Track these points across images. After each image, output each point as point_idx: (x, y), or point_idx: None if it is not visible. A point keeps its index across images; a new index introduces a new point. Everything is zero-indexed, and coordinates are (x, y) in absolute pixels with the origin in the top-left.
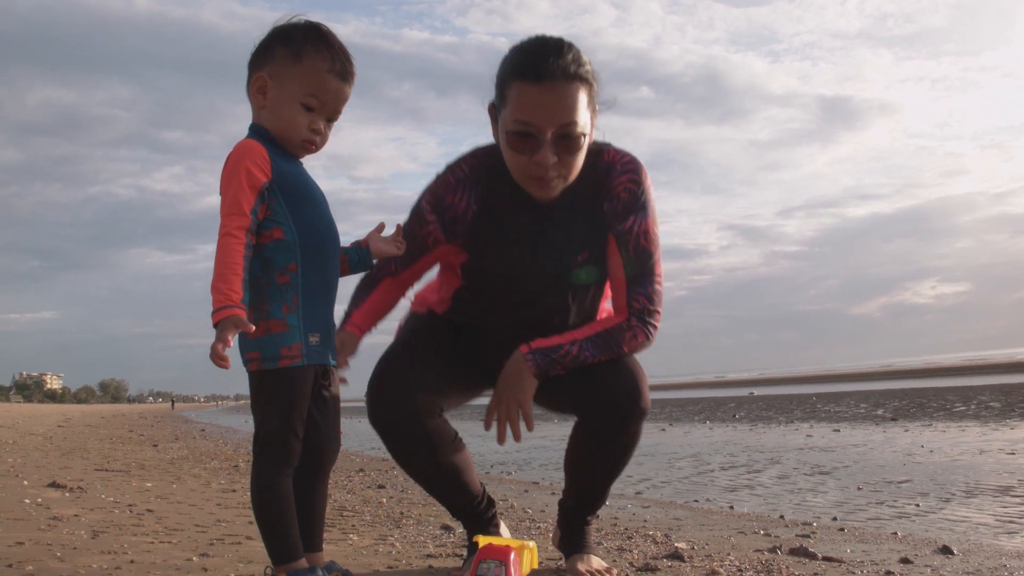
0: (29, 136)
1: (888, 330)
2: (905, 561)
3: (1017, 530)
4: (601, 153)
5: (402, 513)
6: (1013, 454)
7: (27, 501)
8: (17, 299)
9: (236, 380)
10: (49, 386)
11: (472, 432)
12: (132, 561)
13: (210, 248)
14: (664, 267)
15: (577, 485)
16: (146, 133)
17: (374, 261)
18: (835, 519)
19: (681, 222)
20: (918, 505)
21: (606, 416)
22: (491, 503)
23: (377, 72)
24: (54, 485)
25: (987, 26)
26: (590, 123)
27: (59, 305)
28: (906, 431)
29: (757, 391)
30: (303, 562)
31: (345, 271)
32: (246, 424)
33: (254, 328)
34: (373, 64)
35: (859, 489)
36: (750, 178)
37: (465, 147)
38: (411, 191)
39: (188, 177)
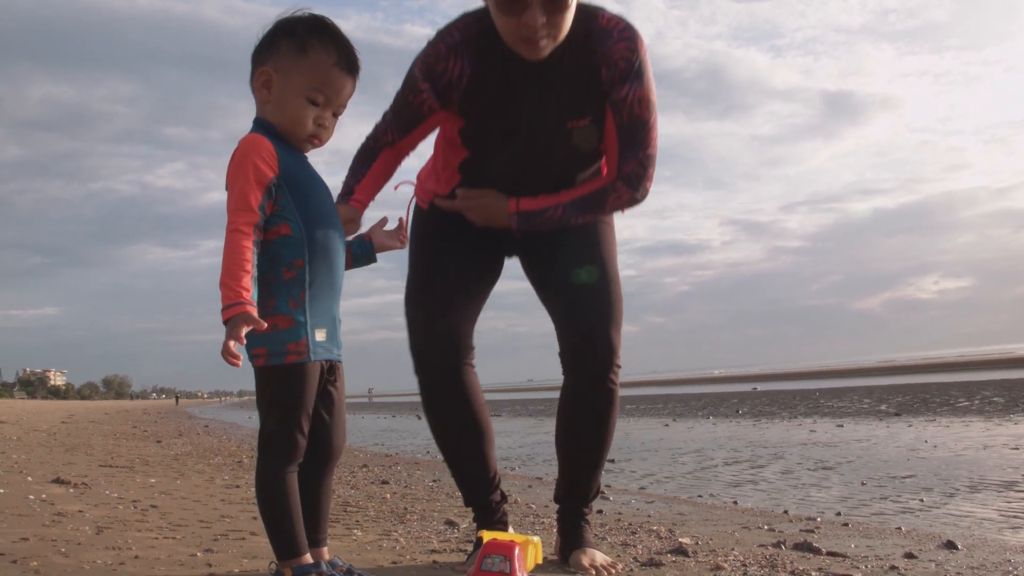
0: (31, 132)
1: (891, 325)
2: (909, 556)
3: (1021, 525)
4: (596, 16)
5: (406, 509)
6: (1017, 449)
7: (31, 497)
8: (20, 296)
9: (240, 376)
10: (52, 382)
11: None
12: (136, 557)
13: (212, 244)
14: (665, 262)
15: (568, 461)
16: (148, 129)
17: (376, 255)
18: (839, 514)
19: (683, 217)
20: (922, 500)
21: (583, 383)
22: (504, 498)
23: (379, 67)
24: (58, 481)
25: (990, 21)
26: None
27: (62, 301)
28: (910, 426)
29: (760, 386)
30: (307, 557)
31: (348, 264)
32: (250, 420)
33: (265, 325)
34: (375, 59)
35: (863, 484)
36: (752, 173)
37: None
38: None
39: (190, 173)
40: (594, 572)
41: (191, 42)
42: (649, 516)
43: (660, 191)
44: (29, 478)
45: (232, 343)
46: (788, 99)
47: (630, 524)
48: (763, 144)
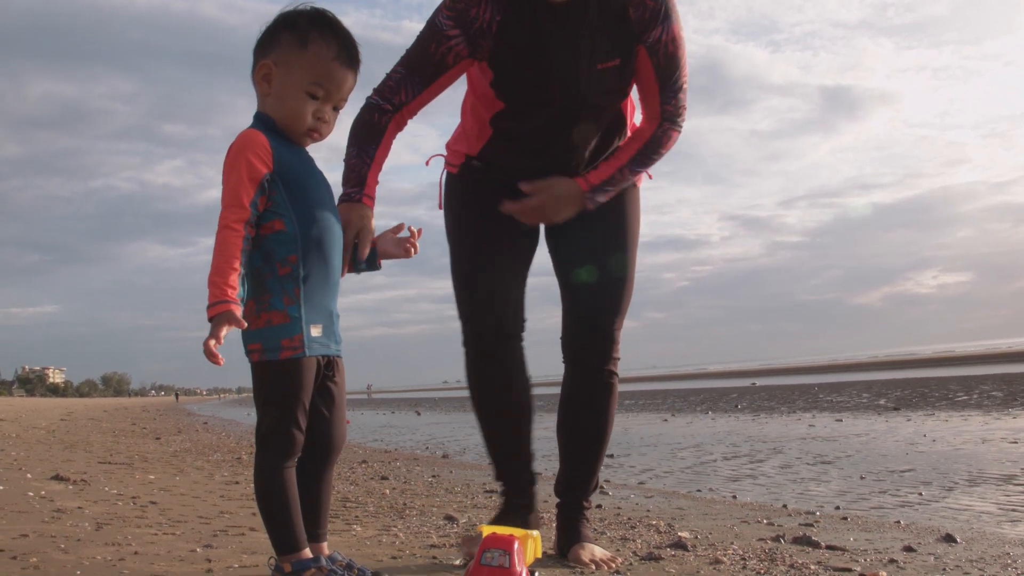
0: (30, 130)
1: (890, 320)
2: (908, 549)
3: (1020, 518)
4: None
5: (405, 504)
6: (1016, 443)
7: (31, 494)
8: (19, 293)
9: (238, 373)
10: (51, 380)
11: (475, 424)
12: (136, 553)
13: (211, 241)
14: (665, 258)
15: (567, 453)
16: (147, 126)
17: (379, 263)
18: (838, 508)
19: (682, 212)
20: (921, 494)
21: (582, 373)
22: (534, 479)
23: (377, 64)
24: (57, 478)
25: (989, 15)
26: None
27: (61, 299)
28: (908, 420)
29: (759, 381)
30: (306, 552)
31: (348, 269)
32: (248, 417)
33: (246, 325)
34: (372, 55)
35: (862, 478)
36: (751, 168)
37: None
38: (411, 183)
39: (189, 170)
40: (593, 567)
41: (190, 39)
42: (648, 511)
43: (659, 186)
44: (28, 475)
45: (212, 342)
46: (786, 94)
47: (629, 518)
48: (762, 139)
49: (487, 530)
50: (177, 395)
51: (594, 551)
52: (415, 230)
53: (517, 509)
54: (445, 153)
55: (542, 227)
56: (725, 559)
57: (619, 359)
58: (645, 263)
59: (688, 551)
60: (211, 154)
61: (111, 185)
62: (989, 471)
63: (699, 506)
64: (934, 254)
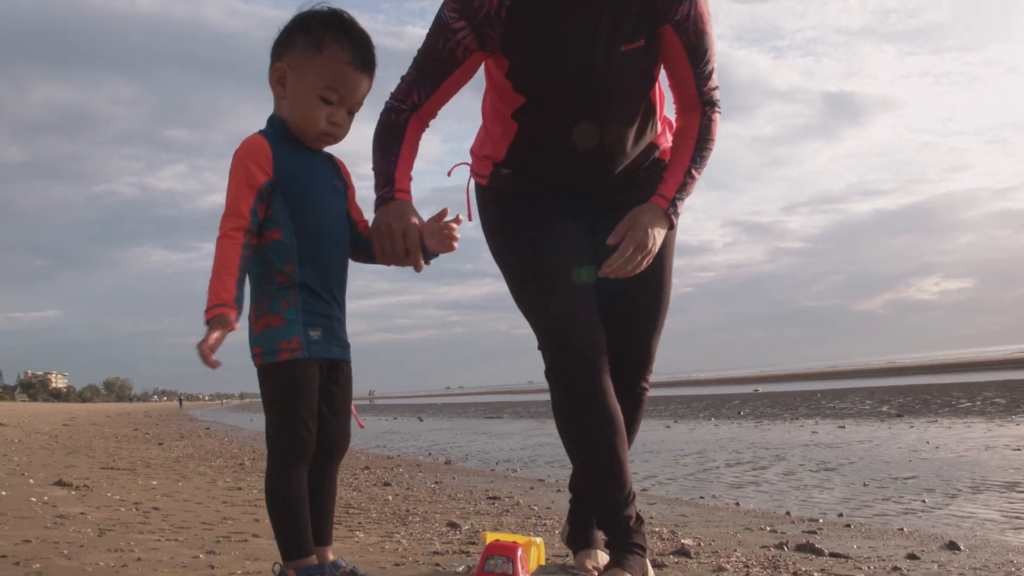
0: (33, 134)
1: (893, 326)
2: (912, 557)
3: (1023, 526)
4: None
5: (408, 511)
6: (1019, 450)
7: (33, 499)
8: (21, 298)
9: (241, 378)
10: (54, 385)
11: (478, 429)
12: (139, 559)
13: (213, 247)
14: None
15: (599, 468)
16: (150, 131)
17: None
18: (841, 515)
19: (685, 218)
20: (924, 501)
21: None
22: (640, 519)
23: (381, 70)
24: (60, 483)
25: (990, 21)
26: None
27: (63, 304)
28: (911, 427)
29: (762, 388)
30: (312, 559)
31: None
32: (251, 422)
33: (237, 327)
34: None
35: (865, 485)
36: (754, 174)
37: (468, 143)
38: (415, 188)
39: (192, 175)
40: None
41: (193, 44)
42: (651, 517)
43: None
44: (31, 480)
45: (204, 345)
46: (789, 100)
47: None
48: (764, 145)
49: (491, 537)
50: (181, 400)
51: (598, 558)
52: (454, 221)
53: (632, 548)
54: (470, 161)
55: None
56: (728, 567)
57: (651, 373)
58: None
59: (691, 558)
60: (214, 159)
61: (113, 190)
62: (992, 478)
63: (702, 513)
64: (936, 260)
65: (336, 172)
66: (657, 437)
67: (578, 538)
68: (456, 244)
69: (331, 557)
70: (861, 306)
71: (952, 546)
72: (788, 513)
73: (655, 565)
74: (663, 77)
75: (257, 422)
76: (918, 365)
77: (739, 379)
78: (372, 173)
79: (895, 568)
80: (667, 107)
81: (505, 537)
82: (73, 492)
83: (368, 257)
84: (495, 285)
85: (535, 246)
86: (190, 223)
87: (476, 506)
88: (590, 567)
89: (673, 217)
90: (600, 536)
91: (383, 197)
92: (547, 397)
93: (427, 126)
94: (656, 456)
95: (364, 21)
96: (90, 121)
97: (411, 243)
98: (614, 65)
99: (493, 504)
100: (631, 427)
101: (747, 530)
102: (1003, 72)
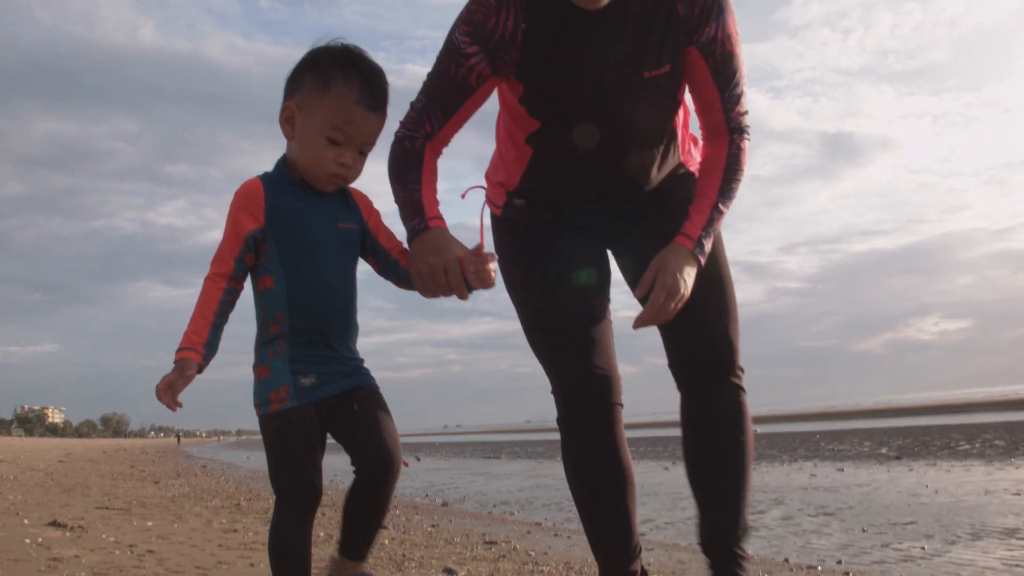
0: (33, 168)
1: (891, 366)
2: None
3: (1023, 575)
4: None
5: (404, 555)
6: (1019, 495)
7: (27, 541)
8: (19, 332)
9: (238, 416)
10: (51, 420)
11: (476, 470)
12: None
13: None
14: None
15: (703, 494)
16: (150, 166)
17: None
18: (840, 562)
19: None
20: (923, 548)
21: (703, 392)
22: (645, 573)
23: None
24: (55, 524)
25: (989, 62)
26: None
27: (61, 338)
28: (911, 470)
29: (760, 428)
30: None
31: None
32: (248, 460)
33: (193, 374)
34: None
35: (864, 531)
36: (752, 214)
37: (467, 183)
38: None
39: (192, 211)
40: None
41: (193, 80)
42: (649, 563)
43: None
44: (25, 520)
45: (162, 384)
46: (787, 140)
47: None
48: (763, 185)
49: None
50: (179, 437)
51: None
52: (480, 245)
53: None
54: (485, 185)
55: (609, 255)
56: None
57: (744, 372)
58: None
59: None
60: (213, 195)
61: (113, 225)
62: (992, 524)
63: (700, 559)
64: (935, 300)
65: (349, 212)
66: (655, 479)
67: None
68: (492, 282)
69: (359, 569)
70: (860, 346)
71: None
72: (787, 560)
73: None
74: (688, 97)
75: (254, 460)
76: (917, 406)
77: None
78: (396, 207)
79: None
80: (692, 124)
81: None
82: (68, 533)
83: (411, 287)
84: (494, 324)
85: (547, 286)
86: (190, 259)
87: (473, 551)
88: None
89: (700, 257)
90: None
91: (415, 229)
92: (545, 437)
93: (441, 153)
94: (654, 499)
95: None
96: (90, 155)
97: (454, 281)
98: (635, 92)
99: (490, 549)
100: (738, 438)
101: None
102: (1001, 113)
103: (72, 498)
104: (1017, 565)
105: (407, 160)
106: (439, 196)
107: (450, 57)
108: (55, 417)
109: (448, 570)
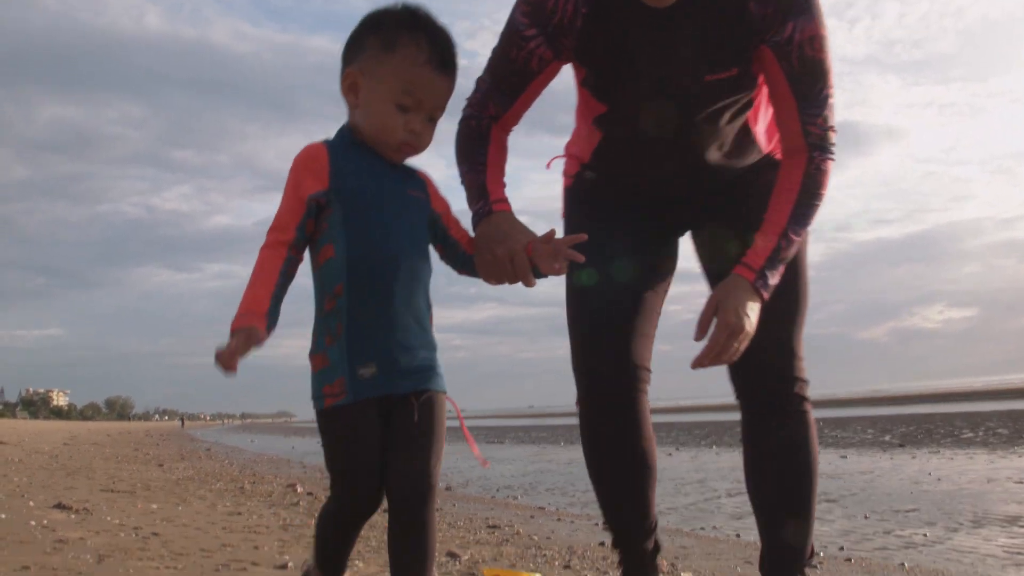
0: (38, 153)
1: (896, 355)
2: None
3: None
4: None
5: None
6: (1021, 483)
7: (33, 523)
8: (24, 316)
9: (241, 399)
10: (55, 403)
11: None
12: None
13: (218, 267)
14: (671, 291)
15: (763, 513)
16: (155, 152)
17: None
18: (842, 549)
19: (688, 245)
20: (925, 535)
21: (762, 404)
22: (658, 548)
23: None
24: (60, 506)
25: (995, 52)
26: None
27: (66, 322)
28: (913, 458)
29: None
30: None
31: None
32: (252, 444)
33: (263, 341)
34: None
35: (866, 518)
36: None
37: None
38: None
39: (197, 196)
40: None
41: (199, 66)
42: None
43: None
44: (31, 503)
45: (224, 352)
46: None
47: None
48: None
49: (489, 573)
50: (183, 420)
51: None
52: (558, 246)
53: None
54: (566, 155)
55: (681, 240)
56: None
57: (807, 383)
58: None
59: None
60: (219, 180)
61: (118, 210)
62: (994, 511)
63: (702, 545)
64: (940, 289)
65: (417, 185)
66: (659, 464)
67: None
68: (562, 270)
69: None
70: (864, 334)
71: None
72: None
73: None
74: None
75: (258, 443)
76: (921, 394)
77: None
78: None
79: None
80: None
81: (505, 573)
82: (73, 516)
83: (475, 274)
84: (499, 309)
85: (596, 263)
86: (194, 244)
87: (476, 535)
88: None
89: (763, 292)
90: None
91: (479, 213)
92: (548, 423)
93: (510, 132)
94: (657, 485)
95: None
96: (96, 141)
97: (520, 270)
98: (698, 93)
99: (493, 533)
100: (801, 453)
101: (748, 563)
102: (1008, 103)
103: (77, 481)
104: (1019, 552)
105: (474, 140)
106: (507, 177)
107: (510, 40)
108: (60, 400)
109: (451, 554)
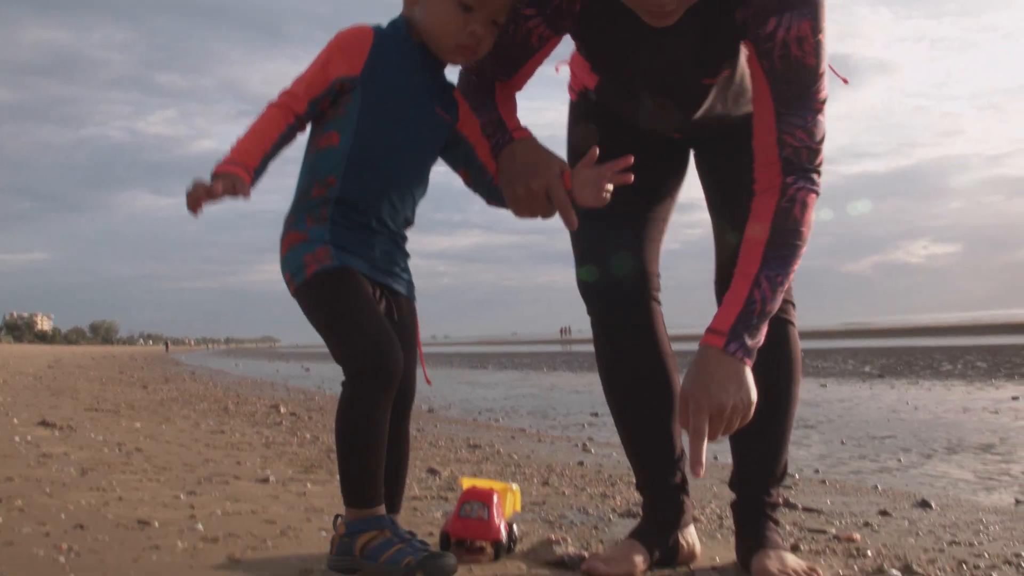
0: (23, 76)
1: (879, 288)
2: (884, 513)
3: (995, 486)
4: None
5: None
6: (996, 413)
7: (17, 439)
8: (8, 240)
9: (227, 324)
10: (39, 327)
11: (462, 379)
12: (120, 498)
13: None
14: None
15: (739, 436)
16: (140, 75)
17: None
18: (817, 471)
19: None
20: (900, 460)
21: None
22: (685, 484)
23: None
24: (44, 424)
25: None
26: None
27: (51, 247)
28: (892, 388)
29: None
30: (378, 510)
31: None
32: (236, 367)
33: (247, 196)
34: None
35: (842, 443)
36: None
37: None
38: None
39: (182, 120)
40: None
41: None
42: (629, 469)
43: None
44: (15, 420)
45: (199, 188)
46: None
47: (610, 476)
48: None
49: (467, 483)
50: (167, 345)
51: (784, 560)
52: (602, 173)
53: (665, 520)
54: (569, 75)
55: (691, 156)
56: (703, 518)
57: (792, 304)
58: None
59: None
60: (205, 104)
61: (103, 134)
62: (968, 440)
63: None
64: (925, 224)
65: (450, 105)
66: None
67: (748, 537)
68: (608, 198)
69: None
70: (849, 267)
71: (924, 504)
72: None
73: (630, 514)
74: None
75: (242, 367)
76: (903, 327)
77: None
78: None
79: (866, 524)
80: None
81: (482, 483)
82: (57, 432)
83: (504, 205)
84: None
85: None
86: (180, 168)
87: (456, 454)
88: (775, 570)
89: (741, 356)
90: (777, 534)
91: (499, 143)
92: (532, 350)
93: (518, 90)
94: None
95: None
96: (81, 64)
97: (560, 204)
98: (694, 91)
99: (473, 452)
100: (780, 370)
101: (724, 483)
102: (1000, 39)
103: (61, 401)
104: (990, 478)
105: (479, 90)
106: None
107: (510, 17)
108: (44, 324)
109: (431, 470)
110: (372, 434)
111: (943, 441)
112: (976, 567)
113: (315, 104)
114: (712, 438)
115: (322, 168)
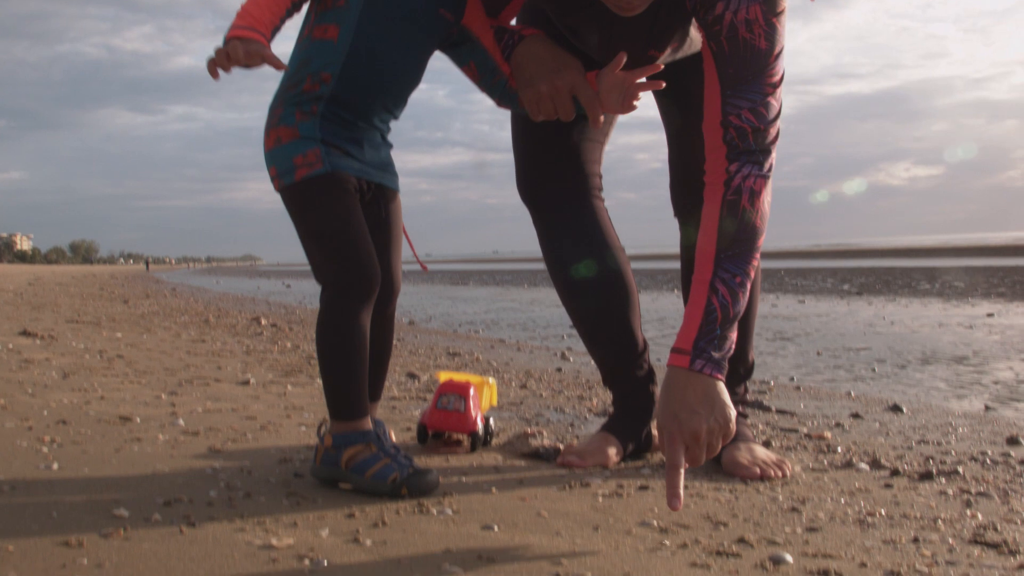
0: None
1: (860, 210)
2: (855, 416)
3: (966, 394)
4: None
5: None
6: (971, 328)
7: None
8: None
9: (207, 243)
10: (19, 247)
11: (443, 295)
12: (102, 397)
13: (181, 109)
14: (638, 139)
15: None
16: None
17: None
18: (792, 379)
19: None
20: (874, 370)
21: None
22: (652, 375)
23: None
24: (25, 333)
25: None
26: None
27: (28, 165)
28: (870, 304)
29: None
30: (363, 423)
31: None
32: (217, 284)
33: (272, 60)
34: None
35: (818, 354)
36: None
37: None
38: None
39: (159, 36)
40: (758, 471)
41: None
42: None
43: None
44: None
45: (222, 53)
46: None
47: (587, 380)
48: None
49: (444, 376)
50: (148, 263)
51: (755, 452)
52: (629, 78)
53: (635, 412)
54: None
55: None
56: None
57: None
58: (619, 143)
59: None
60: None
61: (79, 51)
62: (942, 352)
63: (657, 372)
64: (908, 146)
65: (452, 5)
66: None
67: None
68: (637, 104)
69: (377, 412)
70: (830, 189)
71: (895, 408)
72: None
73: (605, 414)
74: None
75: (223, 284)
76: (882, 248)
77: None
78: None
79: (838, 424)
80: None
81: (459, 377)
82: (38, 341)
83: (515, 107)
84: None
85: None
86: (157, 85)
87: (436, 360)
88: (745, 462)
89: (708, 371)
90: (746, 428)
91: (509, 44)
92: (513, 267)
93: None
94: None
95: None
96: None
97: (588, 101)
98: (640, 60)
99: (453, 359)
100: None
101: None
102: None
103: (42, 313)
104: (961, 387)
105: None
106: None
107: None
108: (23, 244)
109: (411, 374)
110: (355, 347)
111: (918, 353)
112: (943, 463)
113: None
114: (694, 464)
115: (316, 62)
